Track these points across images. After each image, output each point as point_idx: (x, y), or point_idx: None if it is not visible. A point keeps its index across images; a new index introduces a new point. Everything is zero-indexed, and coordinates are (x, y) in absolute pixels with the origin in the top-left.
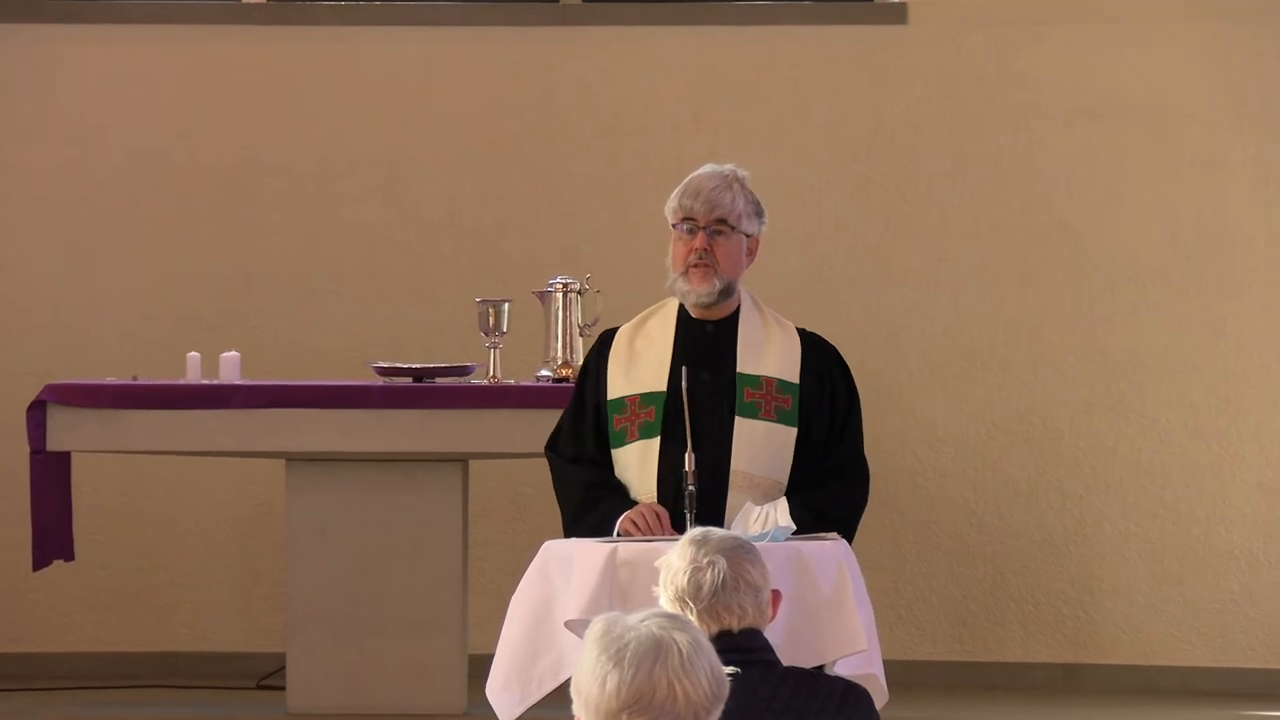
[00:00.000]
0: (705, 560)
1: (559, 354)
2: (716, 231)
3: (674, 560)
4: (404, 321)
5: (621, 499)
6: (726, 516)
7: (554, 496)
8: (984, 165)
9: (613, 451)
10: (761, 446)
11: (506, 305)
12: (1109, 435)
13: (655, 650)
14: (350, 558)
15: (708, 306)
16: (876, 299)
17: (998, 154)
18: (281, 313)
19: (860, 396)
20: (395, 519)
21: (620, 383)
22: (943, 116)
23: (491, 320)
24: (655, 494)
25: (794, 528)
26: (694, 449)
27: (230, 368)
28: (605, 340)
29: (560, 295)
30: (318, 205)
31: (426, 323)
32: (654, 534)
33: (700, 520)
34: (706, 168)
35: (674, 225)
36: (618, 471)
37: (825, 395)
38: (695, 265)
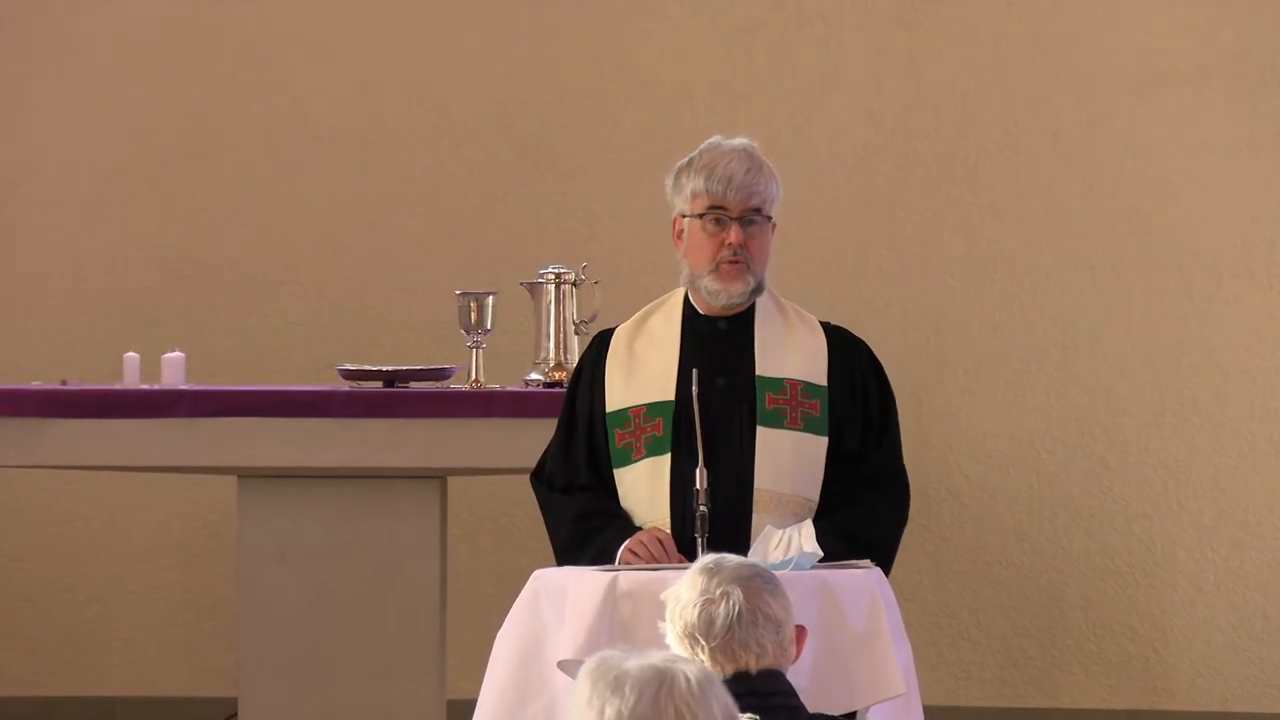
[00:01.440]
0: (718, 591)
1: (551, 355)
2: (751, 222)
3: (682, 592)
4: (373, 317)
5: (622, 527)
6: (752, 542)
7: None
8: (1040, 139)
9: (615, 472)
10: (789, 460)
11: (491, 298)
12: (1183, 448)
13: (659, 678)
14: (312, 589)
15: (734, 305)
16: (916, 292)
17: (1056, 126)
18: (232, 307)
19: (896, 399)
20: (363, 544)
21: (621, 392)
22: (993, 83)
23: (474, 316)
24: (669, 519)
25: (820, 554)
26: (705, 463)
27: (173, 370)
28: (601, 343)
29: (553, 287)
30: (274, 183)
31: (399, 318)
32: (659, 563)
33: (718, 547)
34: (719, 142)
35: (697, 215)
36: (622, 495)
37: (857, 398)
38: (730, 262)
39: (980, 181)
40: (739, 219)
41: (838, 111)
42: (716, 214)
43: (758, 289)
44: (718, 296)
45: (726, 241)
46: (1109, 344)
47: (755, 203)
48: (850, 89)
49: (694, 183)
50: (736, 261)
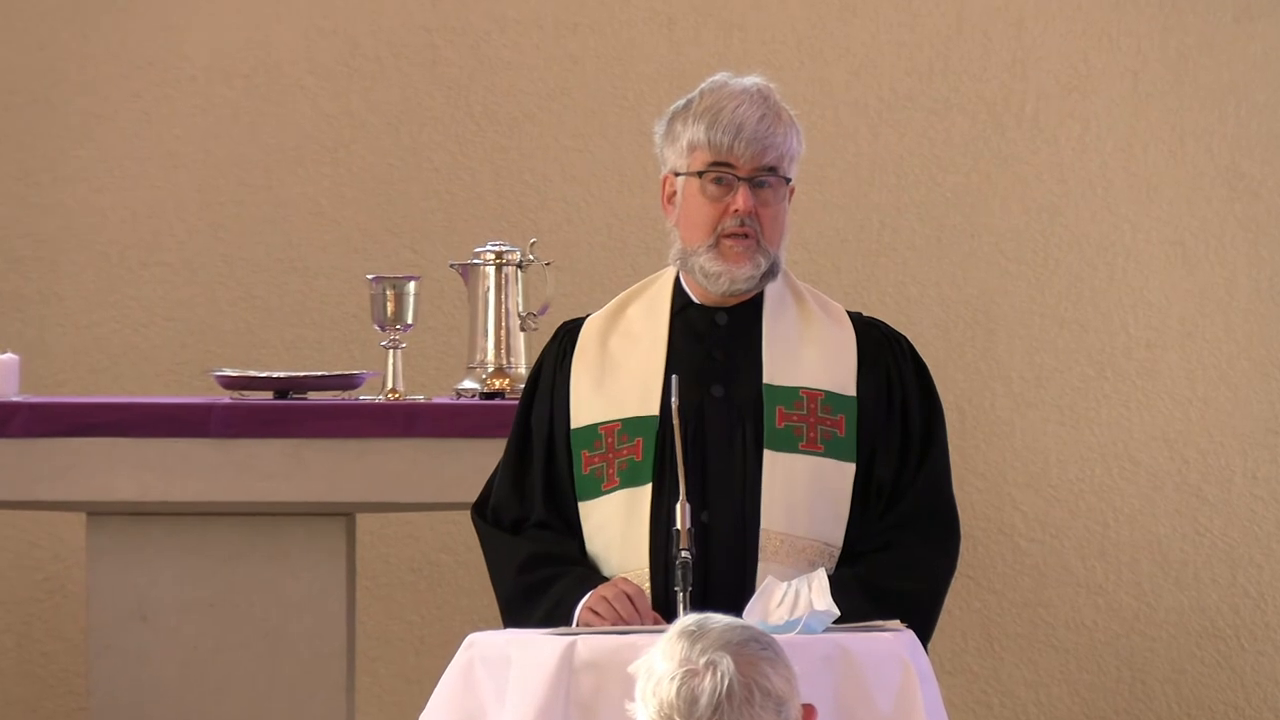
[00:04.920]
0: (702, 660)
1: (489, 357)
2: (762, 184)
3: (657, 662)
4: (261, 309)
5: (581, 577)
6: None
7: (484, 568)
8: (1118, 80)
9: (580, 507)
10: (804, 494)
11: (412, 285)
12: None
13: None
14: (180, 656)
15: (742, 293)
16: (959, 276)
17: (1137, 63)
18: (81, 295)
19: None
20: (247, 600)
21: (590, 403)
22: (1056, 7)
23: (390, 307)
24: (647, 569)
25: (836, 612)
26: (697, 497)
27: (4, 377)
28: (566, 338)
29: (492, 270)
30: (136, 135)
31: (294, 310)
32: (628, 624)
33: (704, 604)
34: (725, 81)
35: (695, 172)
36: (589, 537)
37: (895, 411)
38: (733, 235)
39: (1041, 134)
40: (748, 179)
41: (859, 45)
42: (719, 172)
43: (770, 272)
44: (718, 281)
45: (732, 208)
46: (1206, 342)
47: (769, 159)
48: (875, 16)
49: (692, 131)
50: (743, 235)
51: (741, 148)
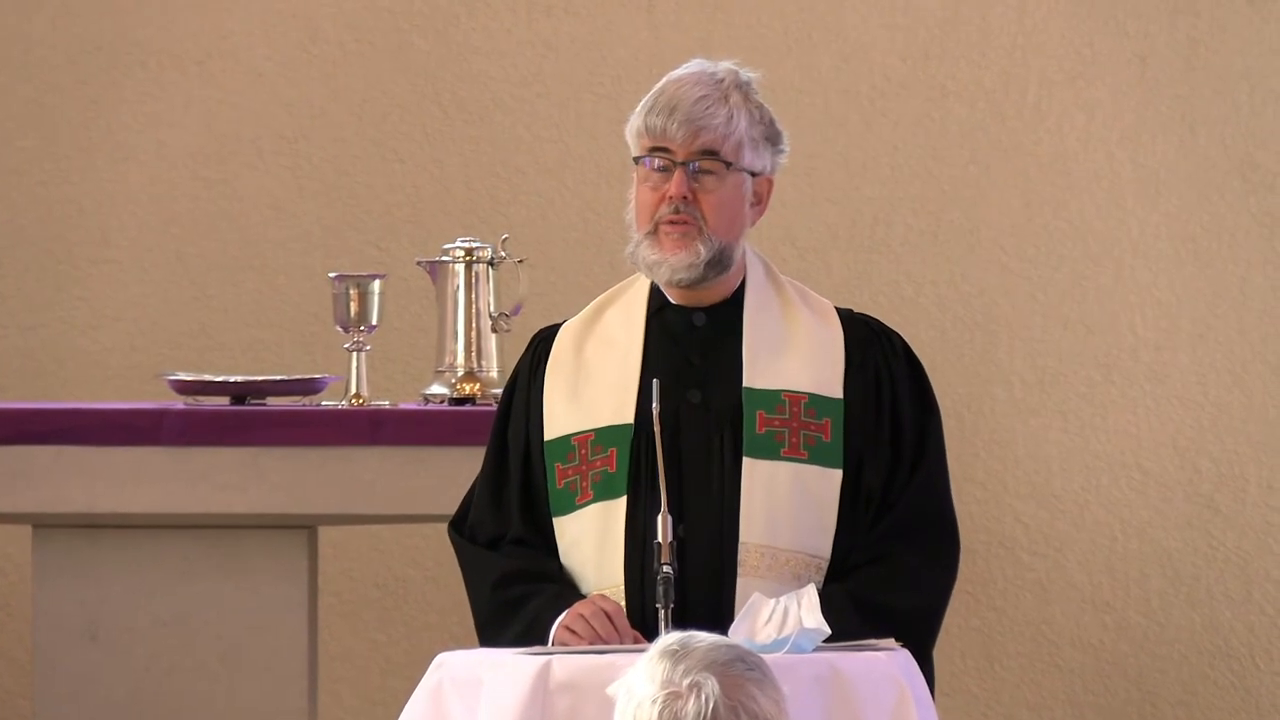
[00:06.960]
0: (685, 682)
1: (459, 360)
2: (703, 170)
3: (637, 683)
4: (217, 309)
5: (556, 595)
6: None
7: (454, 583)
8: (1125, 66)
9: (555, 522)
10: (786, 503)
11: (377, 284)
12: None
13: None
14: (132, 678)
15: (690, 286)
16: (957, 274)
17: (1146, 48)
18: (24, 294)
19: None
20: (203, 618)
21: (564, 414)
22: None
23: (354, 307)
24: (623, 586)
25: (827, 630)
26: (669, 509)
27: None
28: (540, 347)
29: (461, 268)
30: (83, 123)
31: (252, 310)
32: (606, 643)
33: (683, 622)
34: (691, 65)
35: (637, 159)
36: (564, 553)
37: (885, 413)
38: (670, 222)
39: (1044, 123)
40: (685, 163)
41: (849, 28)
42: (658, 157)
43: (718, 262)
44: (658, 271)
45: (666, 194)
46: (1218, 344)
47: (704, 141)
48: None
49: (638, 119)
50: (681, 221)
51: (674, 129)
